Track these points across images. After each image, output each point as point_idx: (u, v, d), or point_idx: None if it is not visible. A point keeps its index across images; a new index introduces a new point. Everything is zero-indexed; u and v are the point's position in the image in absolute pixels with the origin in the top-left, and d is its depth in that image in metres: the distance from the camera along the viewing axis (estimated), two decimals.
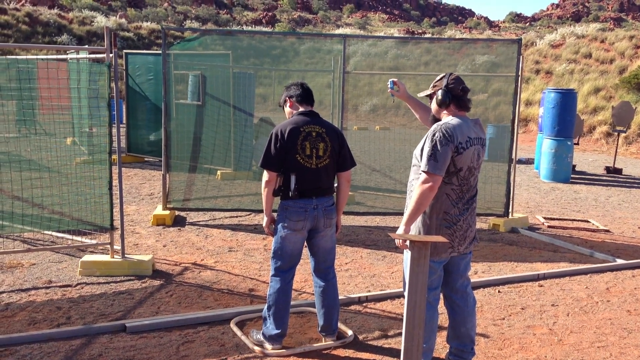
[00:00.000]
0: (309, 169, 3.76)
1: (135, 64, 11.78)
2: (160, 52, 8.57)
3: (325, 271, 3.99)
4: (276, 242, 3.85)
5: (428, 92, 3.53)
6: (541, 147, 12.07)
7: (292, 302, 4.61)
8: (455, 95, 3.39)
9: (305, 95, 3.93)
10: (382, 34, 42.22)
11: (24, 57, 5.74)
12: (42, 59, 5.73)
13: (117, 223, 5.40)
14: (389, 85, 3.88)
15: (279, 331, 3.83)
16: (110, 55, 5.14)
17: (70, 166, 5.96)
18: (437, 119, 3.47)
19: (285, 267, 3.86)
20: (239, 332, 4.07)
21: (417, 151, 3.41)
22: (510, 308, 4.76)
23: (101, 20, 33.02)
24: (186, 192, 7.85)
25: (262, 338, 3.89)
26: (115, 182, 5.28)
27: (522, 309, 4.76)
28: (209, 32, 12.06)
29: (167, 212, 7.10)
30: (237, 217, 7.62)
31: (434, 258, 3.36)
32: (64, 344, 3.83)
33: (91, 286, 4.89)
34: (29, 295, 4.65)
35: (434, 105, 3.49)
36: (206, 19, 47.23)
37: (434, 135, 3.25)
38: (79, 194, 5.46)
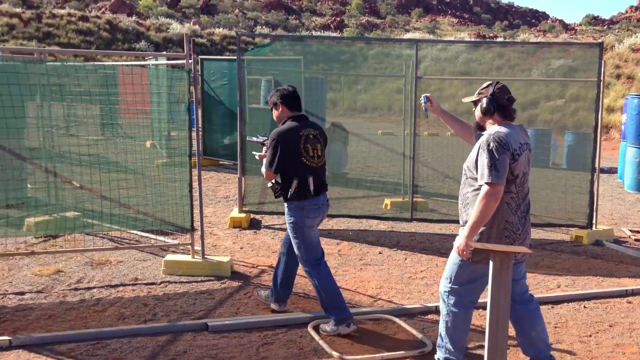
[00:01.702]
0: (314, 168, 4.14)
1: (210, 70, 12.11)
2: (233, 57, 8.76)
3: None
4: (301, 241, 4.13)
5: (473, 98, 3.54)
6: (625, 156, 11.47)
7: (369, 309, 4.62)
8: (500, 105, 3.41)
9: (294, 102, 4.27)
10: (452, 38, 41.52)
11: (109, 63, 6.02)
12: (126, 65, 5.99)
13: (196, 224, 5.56)
14: (422, 100, 3.99)
15: (345, 315, 4.10)
16: (190, 61, 5.32)
17: (152, 168, 6.19)
18: (480, 126, 3.50)
19: (318, 256, 4.22)
20: (316, 337, 4.09)
21: (468, 164, 3.42)
22: (597, 325, 4.55)
23: (176, 27, 34.26)
24: (261, 195, 7.98)
25: (335, 327, 4.10)
26: (194, 185, 5.43)
27: (610, 326, 4.53)
28: (280, 37, 12.24)
29: (243, 214, 7.24)
30: None
31: None
32: (150, 339, 3.97)
33: (174, 285, 5.06)
34: (117, 291, 4.86)
35: (478, 113, 3.51)
36: (275, 24, 48.05)
37: (488, 145, 3.24)
38: (160, 195, 5.66)
